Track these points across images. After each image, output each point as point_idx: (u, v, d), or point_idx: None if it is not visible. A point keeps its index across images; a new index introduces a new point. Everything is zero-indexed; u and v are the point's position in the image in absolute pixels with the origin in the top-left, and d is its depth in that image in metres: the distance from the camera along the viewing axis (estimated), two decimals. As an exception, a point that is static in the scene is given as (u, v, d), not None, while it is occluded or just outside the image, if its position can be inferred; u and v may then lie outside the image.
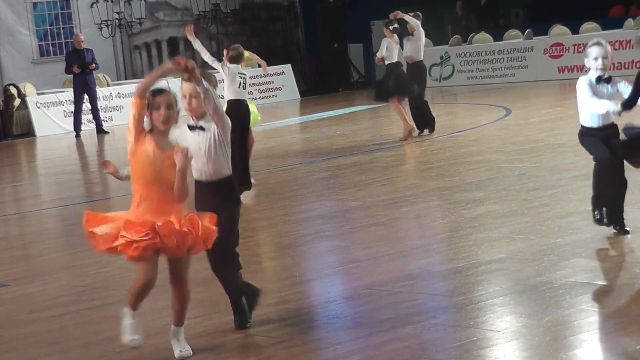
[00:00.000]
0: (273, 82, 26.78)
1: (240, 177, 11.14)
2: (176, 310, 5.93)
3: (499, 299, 6.54)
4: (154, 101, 5.79)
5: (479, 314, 6.27)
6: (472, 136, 15.51)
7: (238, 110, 11.64)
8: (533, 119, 16.69)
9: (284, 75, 27.12)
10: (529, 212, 9.18)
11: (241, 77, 11.99)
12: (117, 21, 27.60)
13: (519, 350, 5.55)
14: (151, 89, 5.84)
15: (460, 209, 9.76)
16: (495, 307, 6.38)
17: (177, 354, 5.89)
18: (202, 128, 6.09)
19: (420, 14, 16.21)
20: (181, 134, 6.05)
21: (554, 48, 24.57)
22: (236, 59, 12.08)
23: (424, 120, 15.92)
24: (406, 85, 15.48)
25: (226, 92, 11.96)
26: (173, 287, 5.90)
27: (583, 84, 7.65)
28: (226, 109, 10.93)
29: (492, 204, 9.75)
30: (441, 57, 26.51)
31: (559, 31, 24.67)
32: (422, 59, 15.89)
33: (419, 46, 15.82)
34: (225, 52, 12.36)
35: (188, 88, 6.06)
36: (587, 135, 7.77)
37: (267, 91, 26.73)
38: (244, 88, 12.01)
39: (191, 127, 6.12)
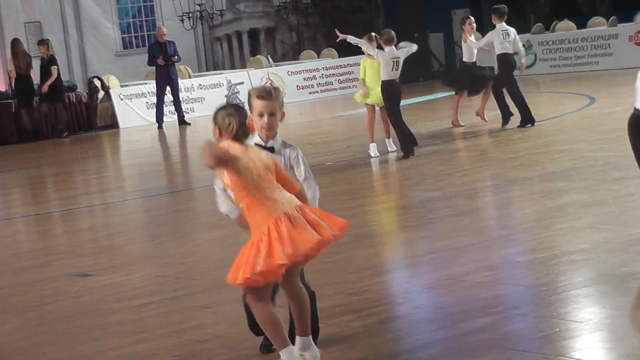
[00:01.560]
0: (353, 72, 26.75)
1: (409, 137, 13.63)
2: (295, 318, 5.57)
3: (583, 289, 6.45)
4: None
5: (562, 304, 6.19)
6: (555, 125, 15.32)
7: (392, 89, 13.46)
8: (618, 107, 16.42)
9: (364, 66, 27.03)
10: (613, 202, 9.04)
11: (394, 60, 13.40)
12: (198, 13, 27.85)
13: (603, 342, 5.47)
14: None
15: (543, 198, 9.65)
16: (579, 297, 6.29)
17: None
18: (271, 149, 5.56)
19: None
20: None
21: (639, 35, 24.14)
22: (389, 42, 13.49)
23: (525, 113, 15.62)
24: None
25: (382, 73, 13.52)
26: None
27: None
28: (381, 88, 13.52)
29: (575, 194, 9.62)
30: (523, 46, 26.22)
31: (645, 18, 24.24)
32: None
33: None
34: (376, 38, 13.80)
35: (264, 106, 5.50)
36: None
37: (347, 81, 26.72)
38: (397, 70, 13.46)
39: (259, 147, 5.53)
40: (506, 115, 15.57)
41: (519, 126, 15.26)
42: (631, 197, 9.17)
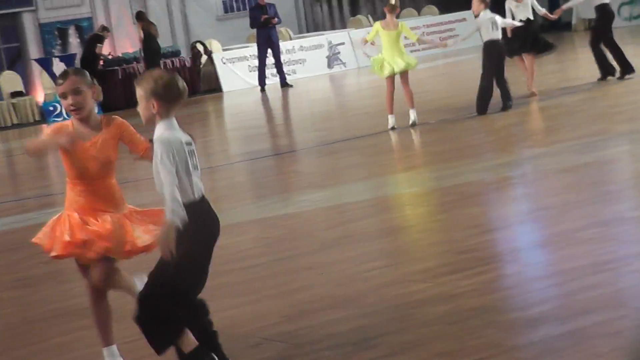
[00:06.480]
0: (454, 29, 26.46)
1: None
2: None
3: (698, 244, 6.29)
4: (59, 91, 5.39)
5: (677, 260, 6.04)
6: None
7: (493, 49, 13.73)
8: None
9: (465, 22, 26.70)
10: None
11: (490, 21, 13.75)
12: (298, -26, 27.81)
13: None
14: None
15: (653, 152, 9.42)
16: (695, 253, 6.13)
17: None
18: (150, 140, 5.43)
19: None
20: None
21: None
22: (485, 4, 13.81)
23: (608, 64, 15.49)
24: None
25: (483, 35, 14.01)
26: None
27: None
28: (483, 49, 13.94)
29: (688, 147, 9.37)
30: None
31: None
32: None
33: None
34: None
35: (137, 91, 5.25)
36: None
37: (449, 38, 26.37)
38: (496, 29, 13.80)
39: None
40: (607, 70, 15.30)
41: (619, 77, 15.14)
42: None
